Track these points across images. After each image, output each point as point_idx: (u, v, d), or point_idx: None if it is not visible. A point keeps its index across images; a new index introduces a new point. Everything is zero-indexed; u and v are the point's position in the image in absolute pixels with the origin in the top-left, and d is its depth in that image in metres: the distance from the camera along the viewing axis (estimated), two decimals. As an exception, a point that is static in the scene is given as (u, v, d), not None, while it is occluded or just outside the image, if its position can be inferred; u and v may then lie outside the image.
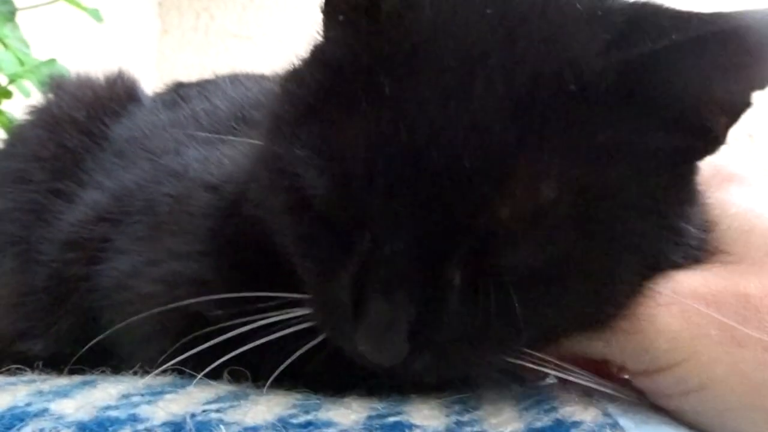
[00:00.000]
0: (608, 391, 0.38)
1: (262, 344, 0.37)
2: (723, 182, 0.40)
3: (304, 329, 0.37)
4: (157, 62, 1.98)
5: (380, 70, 0.33)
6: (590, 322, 0.36)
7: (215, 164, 0.48)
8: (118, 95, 0.62)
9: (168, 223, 0.46)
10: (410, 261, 0.32)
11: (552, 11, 0.34)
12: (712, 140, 0.35)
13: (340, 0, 0.37)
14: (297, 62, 0.40)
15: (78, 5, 0.96)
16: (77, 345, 0.44)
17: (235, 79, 0.63)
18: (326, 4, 0.38)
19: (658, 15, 0.34)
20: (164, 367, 0.38)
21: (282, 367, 0.37)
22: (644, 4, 0.35)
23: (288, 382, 0.38)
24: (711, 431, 0.36)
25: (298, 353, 0.37)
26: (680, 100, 0.34)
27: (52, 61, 0.85)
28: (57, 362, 0.43)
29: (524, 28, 0.33)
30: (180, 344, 0.39)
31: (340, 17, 0.37)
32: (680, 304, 0.35)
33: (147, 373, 0.39)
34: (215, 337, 0.37)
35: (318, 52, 0.39)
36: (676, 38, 0.32)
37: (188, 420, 0.31)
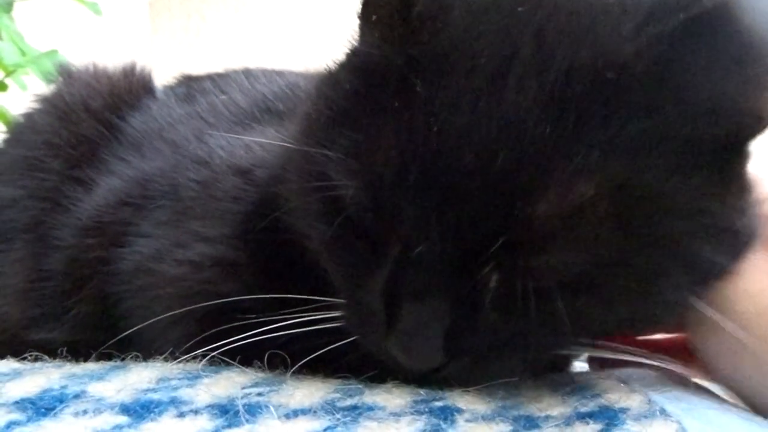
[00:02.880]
0: (652, 362, 0.37)
1: (294, 336, 0.36)
2: None
3: (337, 327, 0.36)
4: (147, 62, 1.97)
5: (411, 72, 0.32)
6: (634, 327, 0.36)
7: (243, 150, 0.48)
8: (134, 87, 0.61)
9: (194, 207, 0.45)
10: (443, 265, 0.31)
11: (582, 4, 0.33)
12: (758, 120, 0.34)
13: (374, 2, 0.37)
14: (332, 65, 0.40)
15: (77, -2, 0.94)
16: (96, 331, 0.42)
17: (249, 73, 0.62)
18: (363, 7, 0.38)
19: None
20: (185, 345, 0.37)
21: (311, 358, 0.36)
22: None
23: (322, 371, 0.37)
24: None
25: (328, 348, 0.36)
26: (718, 78, 0.32)
27: (53, 52, 0.83)
28: (77, 349, 0.42)
29: (555, 23, 0.32)
30: (205, 329, 0.38)
31: (374, 18, 0.36)
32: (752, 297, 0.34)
33: (176, 359, 0.37)
34: (242, 324, 0.36)
35: (352, 56, 0.38)
36: (705, 8, 0.31)
37: (237, 402, 0.30)
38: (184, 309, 0.41)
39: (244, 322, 0.37)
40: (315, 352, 0.36)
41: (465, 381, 0.34)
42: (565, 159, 0.30)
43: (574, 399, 0.35)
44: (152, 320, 0.43)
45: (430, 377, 0.34)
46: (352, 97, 0.35)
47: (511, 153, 0.30)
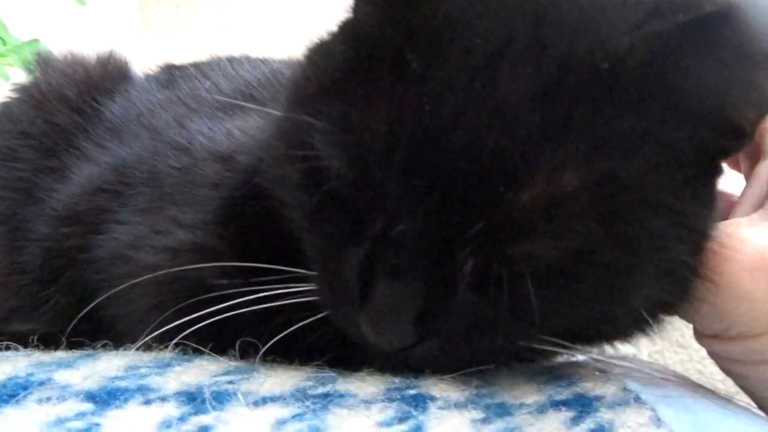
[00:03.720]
0: (625, 364, 0.37)
1: (266, 318, 0.36)
2: None
3: (309, 304, 0.36)
4: (136, 55, 1.95)
5: (408, 47, 0.32)
6: (601, 321, 0.35)
7: (224, 136, 0.47)
8: (110, 74, 0.61)
9: (173, 194, 0.45)
10: (422, 244, 0.31)
11: None
12: (740, 135, 0.34)
13: None
14: (325, 36, 0.39)
15: (61, -13, 0.93)
16: (75, 323, 0.42)
17: (233, 60, 0.62)
18: None
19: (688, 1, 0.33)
20: (158, 331, 0.37)
21: (282, 335, 0.36)
22: None
23: (294, 352, 0.37)
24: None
25: (298, 325, 0.36)
26: (707, 88, 0.32)
27: (35, 41, 0.82)
28: (53, 341, 0.41)
29: (554, 11, 0.32)
30: (181, 313, 0.38)
31: None
32: (765, 272, 0.34)
33: (150, 348, 0.37)
34: (217, 307, 0.36)
35: (347, 27, 0.38)
36: (705, 12, 0.31)
37: (204, 389, 0.29)
38: (160, 296, 0.41)
39: (220, 306, 0.36)
40: (287, 330, 0.36)
41: (433, 364, 0.34)
42: (553, 149, 0.30)
43: (549, 387, 0.35)
44: (128, 307, 0.43)
45: (398, 358, 0.34)
46: (343, 67, 0.35)
47: (500, 138, 0.30)
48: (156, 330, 0.38)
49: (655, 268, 0.33)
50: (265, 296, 0.36)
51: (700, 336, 0.38)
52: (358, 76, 0.34)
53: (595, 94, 0.31)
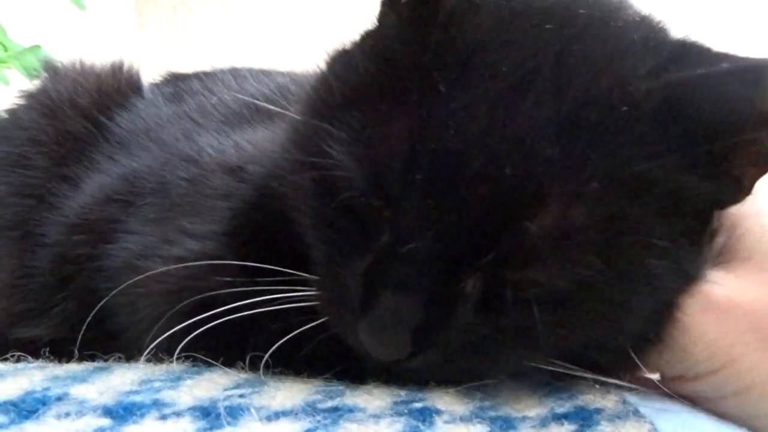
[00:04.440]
0: (619, 383, 0.38)
1: (270, 322, 0.36)
2: None
3: (313, 310, 0.36)
4: (132, 56, 1.95)
5: (435, 68, 0.33)
6: (599, 348, 0.37)
7: (233, 148, 0.48)
8: (122, 85, 0.61)
9: (182, 204, 0.45)
10: (430, 262, 0.32)
11: (607, 35, 0.34)
12: (740, 189, 0.36)
13: None
14: (346, 44, 0.40)
15: (62, -8, 0.94)
16: (83, 329, 0.42)
17: (237, 73, 0.62)
18: None
19: (706, 51, 0.35)
20: (165, 334, 0.37)
21: (286, 343, 0.36)
22: (694, 42, 0.36)
23: (303, 371, 0.38)
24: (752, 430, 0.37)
25: (303, 328, 0.36)
26: (715, 140, 0.34)
27: (36, 47, 0.82)
28: (62, 348, 0.42)
29: (579, 48, 0.33)
30: (189, 325, 0.38)
31: (401, 3, 0.37)
32: (716, 312, 0.36)
33: (160, 360, 0.38)
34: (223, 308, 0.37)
35: (371, 38, 0.38)
36: (719, 69, 0.33)
37: (218, 404, 0.30)
38: (168, 306, 0.41)
39: (226, 308, 0.37)
40: (292, 333, 0.36)
41: (430, 375, 0.35)
42: (567, 182, 0.31)
43: (550, 400, 0.36)
44: (137, 317, 0.43)
45: (394, 368, 0.35)
46: (366, 80, 0.36)
47: (518, 166, 0.31)
48: (163, 332, 0.39)
49: (650, 305, 0.35)
50: (269, 299, 0.36)
51: (666, 381, 0.39)
52: (382, 90, 0.34)
53: (613, 134, 0.32)
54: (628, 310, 0.34)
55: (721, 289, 0.37)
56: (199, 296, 0.40)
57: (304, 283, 0.37)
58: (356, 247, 0.35)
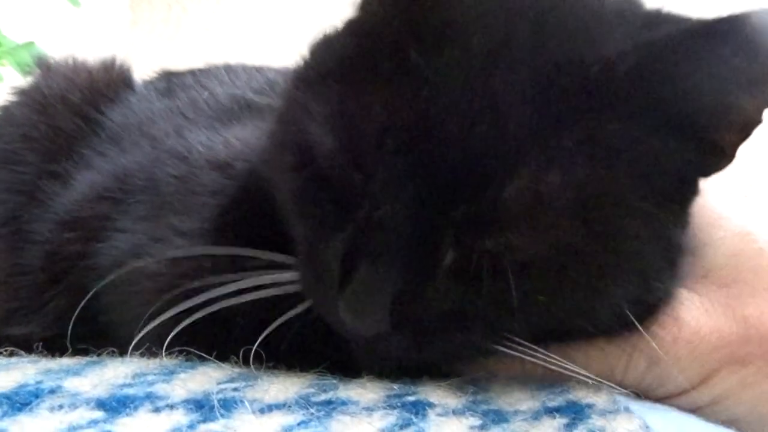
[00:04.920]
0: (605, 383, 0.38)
1: (259, 311, 0.37)
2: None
3: (300, 296, 0.37)
4: (126, 54, 1.95)
5: (409, 41, 0.33)
6: (582, 317, 0.36)
7: (222, 144, 0.48)
8: (114, 81, 0.61)
9: (172, 202, 0.45)
10: (404, 228, 0.32)
11: (583, 5, 0.34)
12: (721, 156, 0.35)
13: None
14: (328, 31, 0.40)
15: (55, -11, 0.94)
16: (74, 325, 0.43)
17: (230, 69, 0.63)
18: None
19: (680, 17, 0.35)
20: (153, 323, 0.38)
21: (276, 333, 0.37)
22: (669, 11, 0.36)
23: (296, 365, 0.38)
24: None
25: (290, 314, 0.36)
26: (693, 104, 0.33)
27: (30, 43, 0.82)
28: (54, 345, 0.42)
29: (554, 17, 0.33)
30: (177, 317, 0.39)
31: None
32: (688, 338, 0.37)
33: (154, 354, 0.38)
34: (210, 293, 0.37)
35: (351, 23, 0.39)
36: (694, 29, 0.33)
37: (212, 397, 0.30)
38: (159, 304, 0.42)
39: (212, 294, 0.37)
40: (280, 319, 0.37)
41: (408, 353, 0.35)
42: (541, 146, 0.31)
43: (542, 394, 0.36)
44: (128, 315, 0.43)
45: (375, 349, 0.35)
46: (344, 56, 0.36)
47: (491, 132, 0.31)
48: (152, 339, 0.39)
49: (632, 268, 0.35)
50: (256, 286, 0.37)
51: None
52: (359, 65, 0.35)
53: (586, 98, 0.32)
54: (610, 275, 0.34)
55: (688, 312, 0.38)
56: (186, 289, 0.40)
57: (291, 265, 0.37)
58: (336, 221, 0.34)
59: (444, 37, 0.33)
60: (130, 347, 0.38)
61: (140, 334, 0.38)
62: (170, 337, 0.37)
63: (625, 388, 0.37)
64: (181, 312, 0.39)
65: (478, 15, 0.33)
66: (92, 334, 0.44)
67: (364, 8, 0.39)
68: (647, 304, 0.37)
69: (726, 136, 0.35)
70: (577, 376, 0.37)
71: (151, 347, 0.38)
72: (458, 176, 0.31)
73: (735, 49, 0.32)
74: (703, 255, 0.40)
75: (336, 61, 0.36)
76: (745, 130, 0.35)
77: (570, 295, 0.34)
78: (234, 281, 0.37)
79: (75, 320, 0.43)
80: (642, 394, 0.39)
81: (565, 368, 0.37)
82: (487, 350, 0.36)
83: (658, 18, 0.35)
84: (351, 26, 0.39)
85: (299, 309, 0.37)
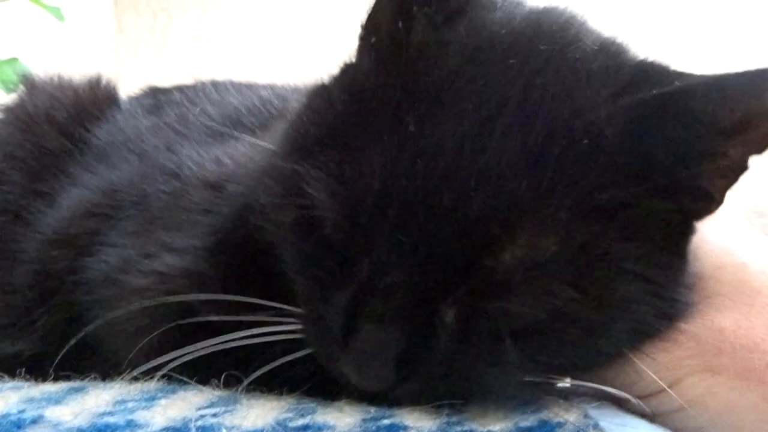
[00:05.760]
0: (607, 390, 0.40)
1: (251, 349, 0.37)
2: None
3: (295, 340, 0.37)
4: (112, 62, 1.94)
5: (404, 105, 0.34)
6: (571, 371, 0.38)
7: (214, 162, 0.48)
8: (99, 99, 0.62)
9: (163, 218, 0.46)
10: (407, 295, 0.33)
11: (568, 66, 0.35)
12: (711, 201, 0.37)
13: (378, 21, 0.38)
14: (326, 78, 0.41)
15: (39, 3, 0.94)
16: (63, 344, 0.43)
17: (218, 85, 0.63)
18: (364, 26, 0.39)
19: (664, 71, 0.36)
20: (144, 366, 0.38)
21: (266, 369, 0.37)
22: (652, 62, 0.37)
23: (278, 387, 0.39)
24: None
25: (283, 360, 0.37)
26: (681, 158, 0.35)
27: (14, 59, 0.83)
28: (41, 362, 0.42)
29: (542, 82, 0.34)
30: (166, 339, 0.39)
31: (373, 40, 0.38)
32: (666, 340, 0.38)
33: (135, 378, 0.38)
34: (202, 335, 0.37)
35: (348, 72, 0.40)
36: (676, 87, 0.34)
37: (190, 425, 0.31)
38: (146, 321, 0.42)
39: (208, 344, 0.37)
40: (271, 363, 0.37)
41: (412, 402, 0.36)
42: (536, 214, 0.32)
43: (516, 414, 0.37)
44: (115, 332, 0.44)
45: (378, 395, 0.36)
46: (342, 117, 0.37)
47: (486, 201, 0.32)
48: (139, 358, 0.39)
49: (625, 327, 0.36)
50: (252, 328, 0.37)
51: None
52: (355, 127, 0.36)
53: (578, 163, 0.33)
54: (606, 335, 0.36)
55: None
56: (177, 313, 0.40)
57: (288, 312, 0.38)
58: (336, 281, 0.36)
59: (439, 102, 0.34)
60: (123, 375, 0.38)
61: (134, 371, 0.39)
62: (160, 365, 0.37)
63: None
64: (170, 336, 0.39)
65: (470, 80, 0.34)
66: (79, 351, 0.45)
67: (358, 55, 0.39)
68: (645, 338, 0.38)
69: (715, 182, 0.36)
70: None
71: (131, 370, 0.39)
72: (456, 245, 0.32)
73: (721, 104, 0.33)
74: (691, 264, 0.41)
75: (333, 120, 0.37)
76: (733, 176, 0.36)
77: (567, 351, 0.36)
78: (237, 323, 0.37)
79: (63, 337, 0.43)
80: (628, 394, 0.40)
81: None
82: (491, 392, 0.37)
83: (644, 73, 0.36)
84: (345, 78, 0.39)
85: (298, 354, 0.37)
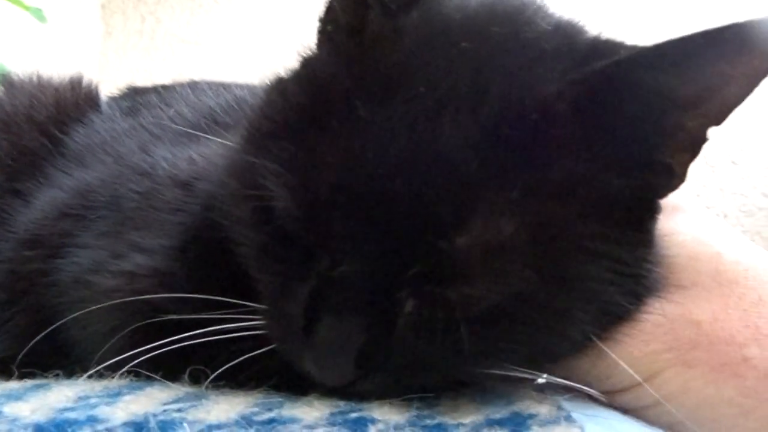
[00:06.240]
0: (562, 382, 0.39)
1: (218, 346, 0.37)
2: (670, 211, 0.41)
3: (261, 336, 0.37)
4: (99, 65, 1.94)
5: (357, 93, 0.33)
6: (539, 359, 0.37)
7: (186, 162, 0.48)
8: (80, 100, 0.61)
9: (134, 218, 0.46)
10: (363, 284, 0.33)
11: (520, 47, 0.35)
12: (672, 176, 0.36)
13: (334, 15, 0.38)
14: (284, 71, 0.40)
15: (20, 4, 0.93)
16: (34, 344, 0.42)
17: (195, 86, 0.63)
18: (325, 12, 0.39)
19: (617, 45, 0.36)
20: (111, 360, 0.38)
21: (230, 365, 0.37)
22: (607, 39, 0.37)
23: (246, 383, 0.38)
24: None
25: (249, 355, 0.37)
26: (636, 132, 0.34)
27: (-7, 60, 0.82)
28: (10, 363, 0.42)
29: (493, 63, 0.34)
30: (135, 338, 0.39)
31: (328, 29, 0.37)
32: (643, 333, 0.38)
33: (102, 376, 0.38)
34: (171, 334, 0.37)
35: (305, 66, 0.39)
36: (623, 58, 0.33)
37: (151, 419, 0.30)
38: (116, 321, 0.42)
39: (164, 319, 0.37)
40: (238, 359, 0.37)
41: (377, 395, 0.36)
42: (490, 195, 0.32)
43: (488, 407, 0.37)
44: (85, 332, 0.43)
45: (343, 390, 0.35)
46: (296, 109, 0.36)
47: (438, 185, 0.32)
48: (110, 357, 0.39)
49: (590, 307, 0.35)
50: (218, 325, 0.37)
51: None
52: (309, 119, 0.35)
53: (529, 141, 0.32)
54: (570, 318, 0.35)
55: (649, 311, 0.38)
56: (145, 312, 0.40)
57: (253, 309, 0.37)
58: (296, 275, 0.35)
59: (390, 89, 0.33)
60: (90, 371, 0.38)
61: (101, 365, 0.39)
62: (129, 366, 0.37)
63: (573, 381, 0.38)
64: (139, 335, 0.39)
65: (422, 65, 0.34)
66: (50, 353, 0.44)
67: (317, 48, 0.39)
68: (613, 320, 0.37)
69: (675, 156, 0.35)
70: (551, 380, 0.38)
71: (98, 368, 0.38)
72: (411, 230, 0.32)
73: (671, 72, 0.33)
74: (674, 260, 0.40)
75: (288, 112, 0.37)
76: (693, 149, 0.36)
77: (529, 337, 0.35)
78: (206, 320, 0.37)
79: (34, 339, 0.43)
80: (599, 391, 0.39)
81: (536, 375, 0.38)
82: (455, 381, 0.37)
83: (597, 49, 0.36)
84: (302, 72, 0.39)
85: (263, 350, 0.37)
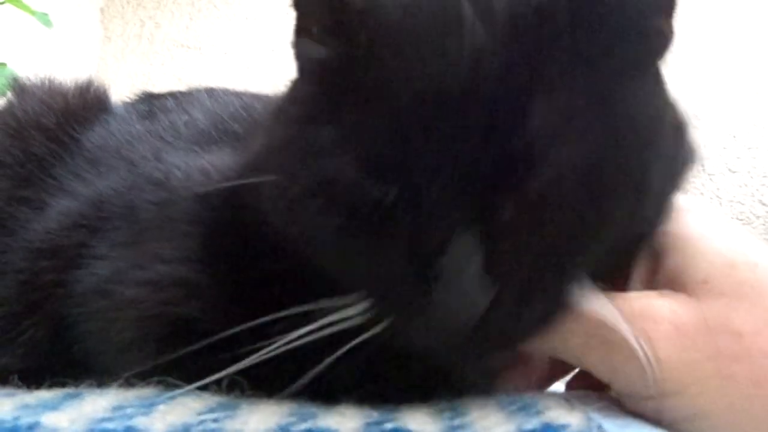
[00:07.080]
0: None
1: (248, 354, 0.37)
2: (677, 213, 0.42)
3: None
4: (98, 70, 1.93)
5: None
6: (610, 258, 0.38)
7: (200, 171, 0.48)
8: (89, 103, 0.61)
9: (152, 229, 0.45)
10: (464, 201, 0.33)
11: None
12: (663, 37, 0.38)
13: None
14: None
15: (27, 9, 0.93)
16: (51, 357, 0.42)
17: (212, 92, 0.63)
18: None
19: None
20: (138, 369, 0.38)
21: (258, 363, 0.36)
22: None
23: (278, 391, 0.38)
24: None
25: (320, 367, 0.36)
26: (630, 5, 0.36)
27: (1, 65, 0.82)
28: (30, 376, 0.41)
29: None
30: (162, 348, 0.39)
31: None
32: (683, 340, 0.37)
33: (131, 385, 0.38)
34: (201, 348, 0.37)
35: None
36: None
37: (193, 430, 0.30)
38: (141, 332, 0.41)
39: (204, 343, 0.37)
40: (285, 370, 0.37)
41: (511, 329, 0.35)
42: (548, 72, 0.33)
43: (519, 416, 0.37)
44: (108, 344, 0.43)
45: (476, 336, 0.34)
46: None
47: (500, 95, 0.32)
48: (136, 367, 0.39)
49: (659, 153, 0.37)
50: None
51: (624, 397, 0.40)
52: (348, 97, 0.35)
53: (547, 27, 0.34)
54: (645, 175, 0.36)
55: (687, 315, 0.37)
56: (172, 322, 0.40)
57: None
58: (384, 231, 0.35)
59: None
60: (118, 381, 0.38)
61: (129, 372, 0.38)
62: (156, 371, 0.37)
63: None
64: (166, 344, 0.39)
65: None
66: (67, 365, 0.44)
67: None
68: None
69: (659, 20, 0.38)
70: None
71: (128, 377, 0.38)
72: (484, 129, 0.33)
73: None
74: (698, 262, 0.39)
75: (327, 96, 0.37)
76: (671, 11, 0.38)
77: (614, 204, 0.35)
78: (228, 322, 0.37)
79: (50, 352, 0.42)
80: (626, 393, 0.39)
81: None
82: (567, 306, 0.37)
83: None
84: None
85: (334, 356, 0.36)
